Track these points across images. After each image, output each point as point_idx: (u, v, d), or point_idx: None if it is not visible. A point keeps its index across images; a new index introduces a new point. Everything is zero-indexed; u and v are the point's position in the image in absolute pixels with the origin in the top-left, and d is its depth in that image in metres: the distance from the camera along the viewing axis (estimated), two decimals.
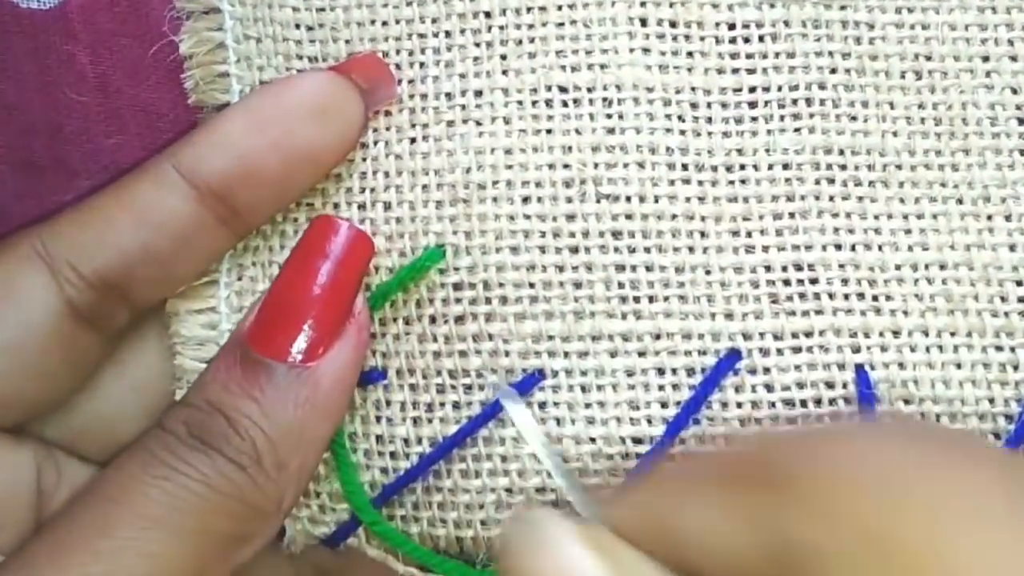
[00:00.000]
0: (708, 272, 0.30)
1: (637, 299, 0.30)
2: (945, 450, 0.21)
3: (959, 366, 0.30)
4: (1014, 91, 0.31)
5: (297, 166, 0.29)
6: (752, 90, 0.30)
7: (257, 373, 0.27)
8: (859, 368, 0.30)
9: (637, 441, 0.30)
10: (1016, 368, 0.30)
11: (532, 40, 0.30)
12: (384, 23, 0.31)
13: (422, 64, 0.31)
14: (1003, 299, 0.30)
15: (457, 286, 0.30)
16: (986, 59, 0.31)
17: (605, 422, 0.30)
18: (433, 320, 0.30)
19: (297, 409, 0.27)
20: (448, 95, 0.30)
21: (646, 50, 0.30)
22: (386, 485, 0.30)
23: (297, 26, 0.31)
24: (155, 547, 0.25)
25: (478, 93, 0.30)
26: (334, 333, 0.28)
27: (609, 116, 0.30)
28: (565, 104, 0.30)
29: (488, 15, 0.30)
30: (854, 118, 0.30)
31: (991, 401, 0.30)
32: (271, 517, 0.27)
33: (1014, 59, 0.31)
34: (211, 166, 0.28)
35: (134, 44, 0.31)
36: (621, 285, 0.30)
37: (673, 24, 0.30)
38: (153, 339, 0.31)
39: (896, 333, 0.30)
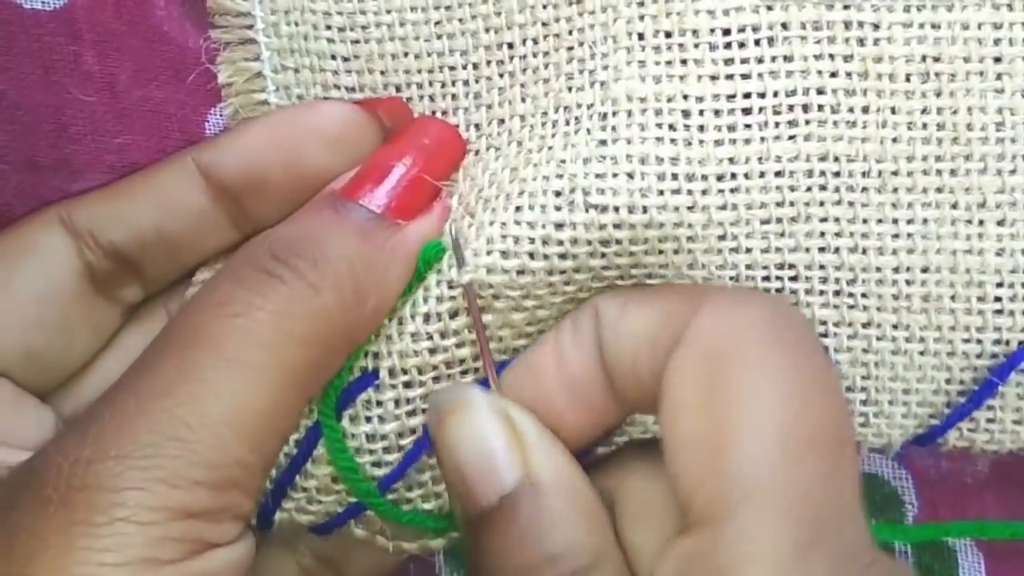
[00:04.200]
0: (691, 267, 0.31)
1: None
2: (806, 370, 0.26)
3: (923, 353, 0.31)
4: None
5: (304, 184, 0.30)
6: (747, 97, 0.30)
7: (349, 211, 0.29)
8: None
9: None
10: (980, 356, 0.31)
11: (547, 66, 0.31)
12: (416, 56, 0.32)
13: (454, 96, 0.32)
14: (981, 299, 0.31)
15: (451, 284, 0.31)
16: (998, 60, 0.30)
17: None
18: (427, 319, 0.31)
19: (382, 251, 0.28)
20: (477, 126, 0.32)
21: (642, 63, 0.30)
22: (386, 475, 0.32)
23: (333, 57, 0.32)
24: (232, 385, 0.25)
25: (500, 121, 0.32)
26: (424, 202, 0.30)
27: (603, 129, 0.30)
28: (567, 123, 0.30)
29: (511, 46, 0.32)
30: (853, 124, 0.30)
31: (948, 381, 0.32)
32: (343, 353, 0.29)
33: None
34: (226, 168, 0.30)
35: (140, 44, 0.32)
36: (606, 279, 0.31)
37: (669, 35, 0.30)
38: (159, 327, 0.32)
39: (867, 324, 0.31)
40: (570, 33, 0.31)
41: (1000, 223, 0.30)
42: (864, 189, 0.30)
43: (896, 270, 0.31)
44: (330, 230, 0.28)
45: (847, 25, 0.30)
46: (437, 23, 0.32)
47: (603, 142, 0.30)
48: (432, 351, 0.32)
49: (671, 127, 0.30)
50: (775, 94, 0.30)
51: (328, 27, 0.32)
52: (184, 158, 0.31)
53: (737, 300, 0.28)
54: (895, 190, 0.30)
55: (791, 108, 0.30)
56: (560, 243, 0.30)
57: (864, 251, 0.31)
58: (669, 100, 0.30)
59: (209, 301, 0.27)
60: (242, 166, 0.30)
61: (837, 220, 0.30)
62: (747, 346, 0.26)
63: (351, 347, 0.29)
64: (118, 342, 0.33)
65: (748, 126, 0.30)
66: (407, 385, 0.32)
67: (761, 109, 0.30)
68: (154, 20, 0.32)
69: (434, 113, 0.33)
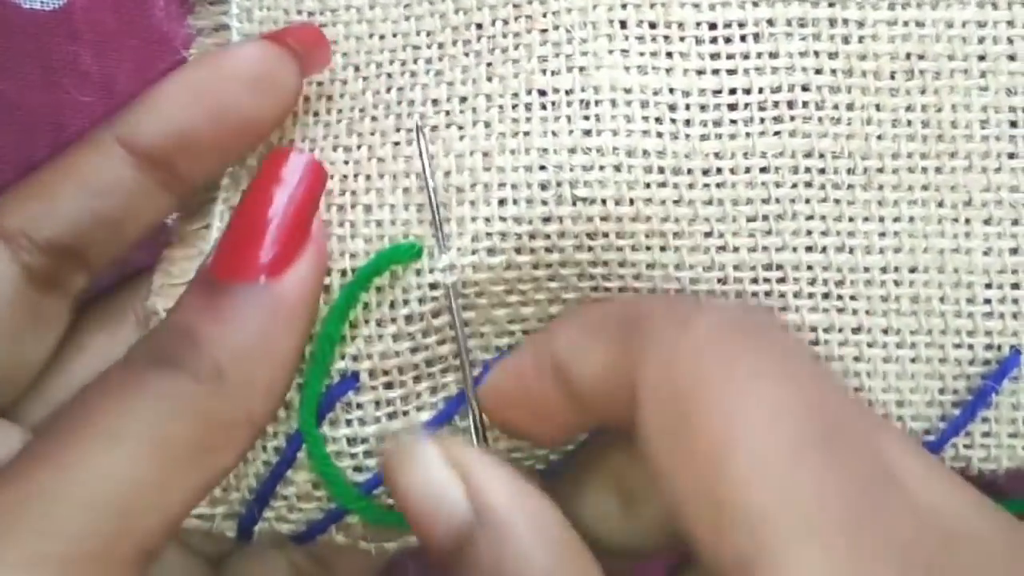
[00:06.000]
0: (678, 267, 0.30)
1: (608, 289, 0.31)
2: (774, 360, 0.25)
3: (914, 360, 0.31)
4: (1009, 92, 0.30)
5: (233, 133, 0.30)
6: (732, 92, 0.30)
7: (220, 296, 0.28)
8: None
9: None
10: (972, 363, 0.31)
11: (517, 47, 0.30)
12: (382, 37, 0.32)
13: (413, 73, 0.31)
14: (970, 300, 0.30)
15: (433, 286, 0.31)
16: (983, 58, 0.30)
17: None
18: (408, 319, 0.31)
19: (261, 324, 0.28)
20: (435, 101, 0.31)
21: (624, 51, 0.30)
22: (368, 480, 0.32)
23: None
24: (113, 458, 0.25)
25: (463, 99, 0.31)
26: (293, 252, 0.29)
27: (586, 118, 0.30)
28: (543, 107, 0.30)
29: (480, 26, 0.31)
30: (838, 121, 0.30)
31: (941, 391, 0.31)
32: (240, 429, 0.28)
33: (1012, 58, 0.30)
34: (148, 135, 0.30)
35: (138, 44, 0.32)
36: (592, 277, 0.30)
37: (653, 25, 0.30)
38: (129, 332, 0.32)
39: (856, 330, 0.31)
40: (544, 16, 0.30)
41: (987, 222, 0.30)
42: (850, 186, 0.30)
43: (884, 270, 0.30)
44: (206, 323, 0.27)
45: (832, 22, 0.30)
46: (407, 5, 0.32)
47: (587, 132, 0.30)
48: (414, 350, 0.31)
49: (657, 120, 0.30)
50: (760, 90, 0.30)
51: (299, 11, 0.32)
52: (102, 135, 0.30)
53: (679, 324, 0.26)
54: (880, 187, 0.30)
55: (776, 104, 0.30)
56: (547, 236, 0.30)
57: (851, 250, 0.30)
58: (655, 93, 0.30)
59: (98, 385, 0.27)
60: (165, 130, 0.29)
61: (823, 218, 0.30)
62: (704, 379, 0.24)
63: (249, 421, 0.28)
64: (83, 343, 0.32)
65: (734, 121, 0.30)
66: (388, 386, 0.31)
67: (747, 105, 0.30)
68: (153, 20, 0.32)
69: (389, 90, 0.31)
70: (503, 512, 0.25)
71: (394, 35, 0.32)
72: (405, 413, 0.32)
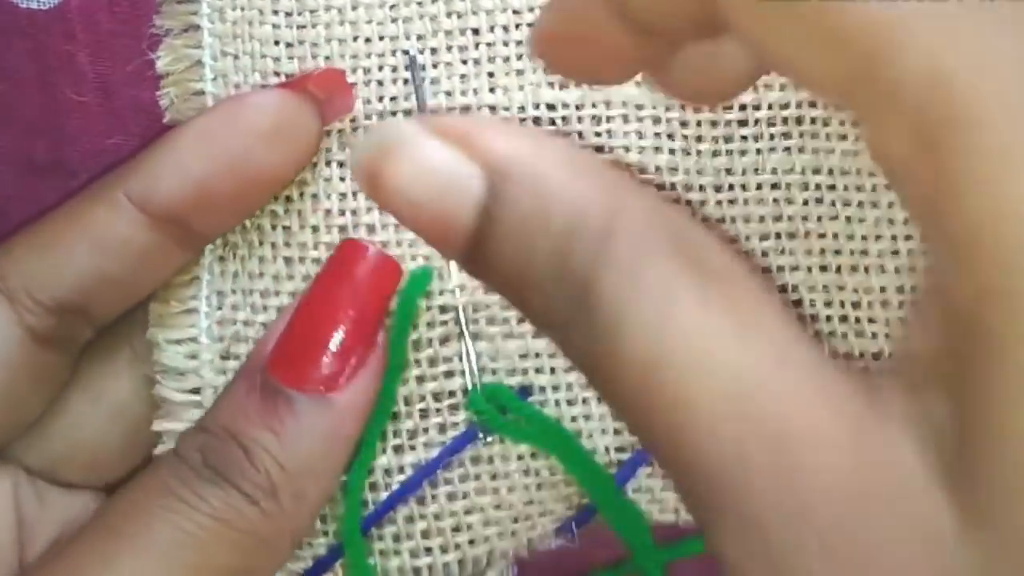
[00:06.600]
0: None
1: None
2: None
3: None
4: None
5: (252, 188, 0.28)
6: (743, 108, 0.30)
7: (276, 402, 0.27)
8: None
9: (620, 450, 0.31)
10: None
11: (520, 57, 0.29)
12: (367, 39, 0.30)
13: (406, 81, 0.30)
14: None
15: (443, 308, 0.29)
16: None
17: (590, 434, 0.30)
18: (416, 345, 0.29)
19: (316, 440, 0.27)
20: (433, 112, 0.30)
21: None
22: (368, 515, 0.30)
23: (276, 43, 0.30)
24: None
25: (465, 110, 0.29)
26: (358, 363, 0.27)
27: (598, 134, 0.29)
28: (553, 122, 0.29)
29: (476, 32, 0.29)
30: (844, 137, 0.30)
31: None
32: (283, 549, 0.27)
33: None
34: (164, 193, 0.27)
35: (134, 44, 0.31)
36: None
37: None
38: (125, 365, 0.30)
39: (877, 356, 0.30)
40: None
41: None
42: (859, 204, 0.30)
43: (900, 290, 0.30)
44: (261, 432, 0.27)
45: None
46: (392, 7, 0.30)
47: (600, 148, 0.29)
48: (420, 379, 0.30)
49: (669, 136, 0.29)
50: (769, 106, 0.30)
51: (275, 12, 0.30)
52: (113, 193, 0.28)
53: None
54: (890, 205, 0.30)
55: (785, 120, 0.30)
56: None
57: (866, 270, 0.30)
58: (667, 108, 0.29)
59: (147, 491, 0.26)
60: (182, 188, 0.27)
61: (835, 236, 0.30)
62: None
63: (292, 541, 0.28)
64: (83, 382, 0.30)
65: (744, 137, 0.30)
66: (394, 417, 0.30)
67: (756, 121, 0.30)
68: (149, 20, 0.30)
69: (381, 99, 0.30)
70: (527, 155, 0.19)
71: (381, 38, 0.30)
72: (412, 448, 0.30)
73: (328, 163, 0.30)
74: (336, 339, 0.27)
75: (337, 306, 0.27)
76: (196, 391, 0.29)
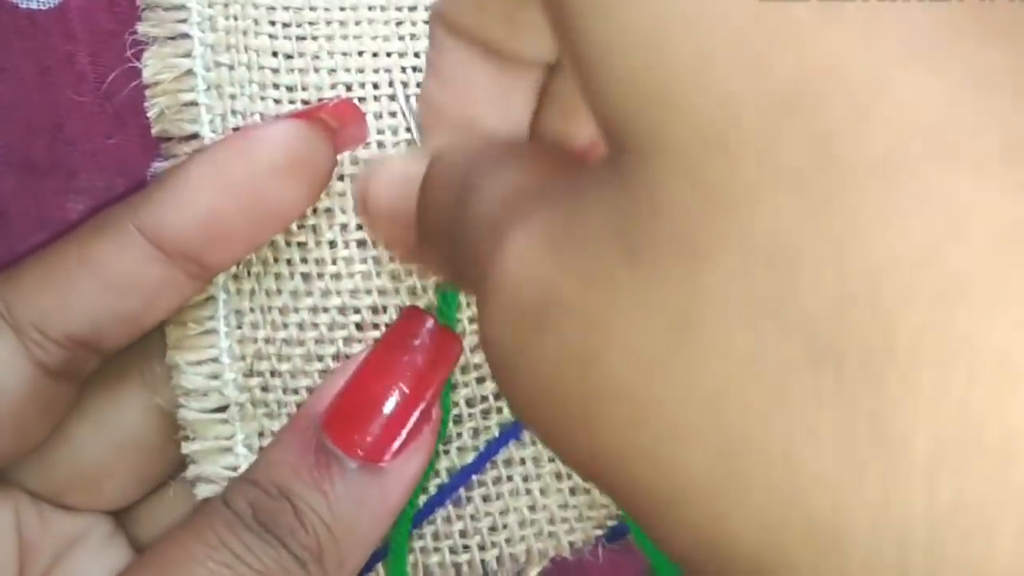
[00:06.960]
0: None
1: None
2: None
3: None
4: None
5: (266, 223, 0.27)
6: None
7: (330, 465, 0.27)
8: None
9: None
10: None
11: None
12: (374, 54, 0.28)
13: (407, 97, 0.28)
14: None
15: (472, 320, 0.28)
16: None
17: None
18: None
19: (364, 509, 0.27)
20: None
21: None
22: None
23: (274, 54, 0.28)
24: None
25: None
26: (413, 437, 0.27)
27: None
28: None
29: None
30: None
31: None
32: None
33: None
34: (177, 228, 0.26)
35: (133, 44, 0.29)
36: None
37: None
38: (132, 395, 0.29)
39: None
40: None
41: None
42: None
43: None
44: (312, 494, 0.27)
45: None
46: (399, 23, 0.28)
47: None
48: (453, 386, 0.29)
49: None
50: None
51: (272, 22, 0.28)
52: (123, 225, 0.27)
53: None
54: None
55: None
56: None
57: None
58: None
59: (197, 537, 0.26)
60: (192, 222, 0.26)
61: None
62: None
63: None
64: (89, 412, 0.29)
65: None
66: None
67: None
68: None
69: (393, 115, 0.28)
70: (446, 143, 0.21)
71: (388, 54, 0.28)
72: (447, 453, 0.29)
73: (341, 177, 0.28)
74: (395, 410, 0.27)
75: (395, 376, 0.27)
76: (221, 409, 0.29)
